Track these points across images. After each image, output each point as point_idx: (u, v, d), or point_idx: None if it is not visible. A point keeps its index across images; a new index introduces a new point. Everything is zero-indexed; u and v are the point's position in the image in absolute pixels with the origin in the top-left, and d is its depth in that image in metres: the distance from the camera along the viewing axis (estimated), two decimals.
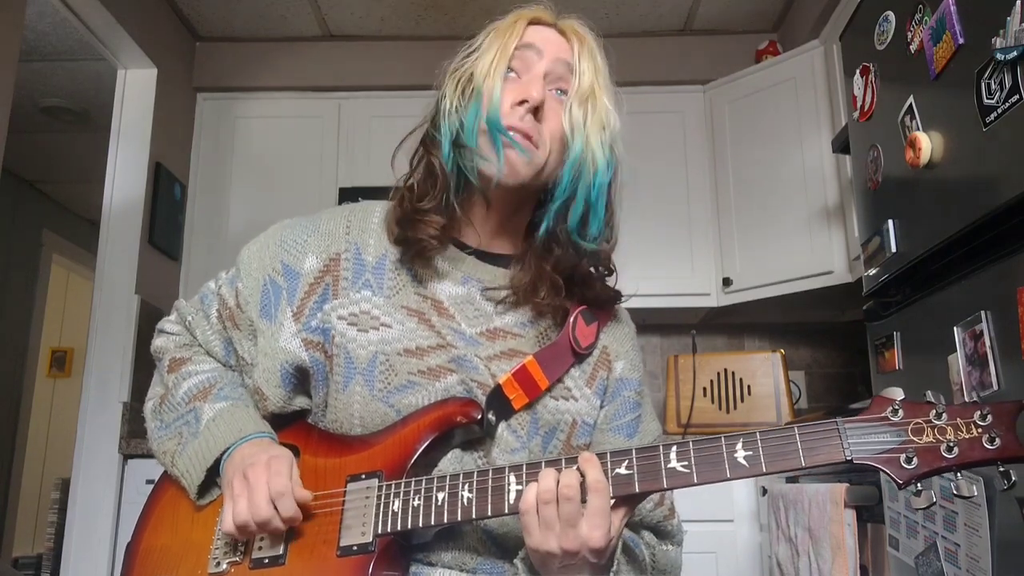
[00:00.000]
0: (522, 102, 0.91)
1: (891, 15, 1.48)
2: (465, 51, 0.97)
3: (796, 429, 0.76)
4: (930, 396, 0.75)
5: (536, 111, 0.92)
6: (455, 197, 0.94)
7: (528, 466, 0.82)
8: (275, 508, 0.85)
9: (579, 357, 0.99)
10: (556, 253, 0.95)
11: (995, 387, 1.14)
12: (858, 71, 1.63)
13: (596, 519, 0.77)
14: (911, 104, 1.39)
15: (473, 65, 0.94)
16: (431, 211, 0.93)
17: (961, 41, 1.22)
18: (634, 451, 0.80)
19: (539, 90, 0.92)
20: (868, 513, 1.65)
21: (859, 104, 1.63)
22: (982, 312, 1.17)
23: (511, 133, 0.90)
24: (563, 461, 0.81)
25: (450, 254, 0.97)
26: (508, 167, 0.91)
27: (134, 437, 2.51)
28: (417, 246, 0.94)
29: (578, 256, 0.96)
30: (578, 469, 0.78)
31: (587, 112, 0.93)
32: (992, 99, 1.13)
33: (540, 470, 0.81)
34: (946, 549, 1.26)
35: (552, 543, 0.77)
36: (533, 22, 0.97)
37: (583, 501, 0.77)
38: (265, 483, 0.85)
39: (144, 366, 2.62)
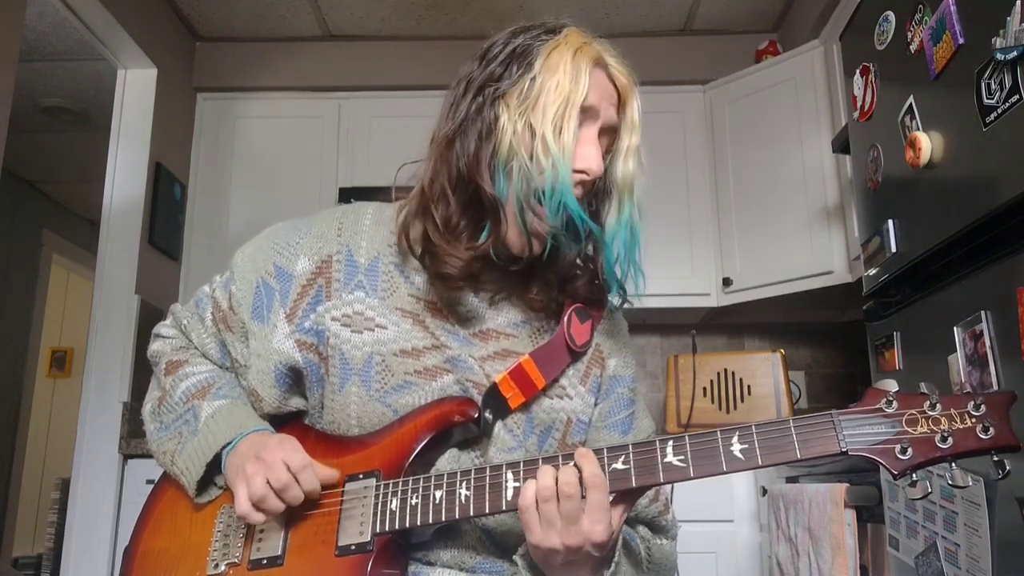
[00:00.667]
0: (582, 170, 0.89)
1: (891, 15, 1.48)
2: (513, 70, 0.90)
3: (791, 422, 0.76)
4: (924, 388, 0.75)
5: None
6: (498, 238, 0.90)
7: (525, 463, 0.83)
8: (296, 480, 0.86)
9: (575, 355, 0.99)
10: (555, 265, 0.96)
11: (995, 387, 1.14)
12: (858, 71, 1.63)
13: (597, 514, 0.77)
14: (911, 104, 1.39)
15: (532, 107, 0.88)
16: (467, 240, 0.90)
17: (961, 41, 1.22)
18: (631, 446, 0.80)
19: (599, 164, 0.90)
20: (868, 513, 1.65)
21: (859, 104, 1.63)
22: (982, 312, 1.17)
23: (585, 215, 0.89)
24: (560, 458, 0.81)
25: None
26: (539, 245, 0.90)
27: (134, 437, 2.51)
28: (450, 282, 0.92)
29: (582, 259, 0.98)
30: (575, 465, 0.79)
31: (631, 172, 0.93)
32: (992, 99, 1.13)
33: (537, 467, 0.81)
34: (946, 549, 1.26)
35: (554, 540, 0.78)
36: (594, 64, 0.92)
37: (583, 497, 0.77)
38: (281, 459, 0.86)
39: (144, 366, 2.60)
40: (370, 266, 0.97)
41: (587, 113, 0.90)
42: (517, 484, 0.81)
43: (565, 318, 0.97)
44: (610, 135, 0.94)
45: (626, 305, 1.03)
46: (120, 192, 2.71)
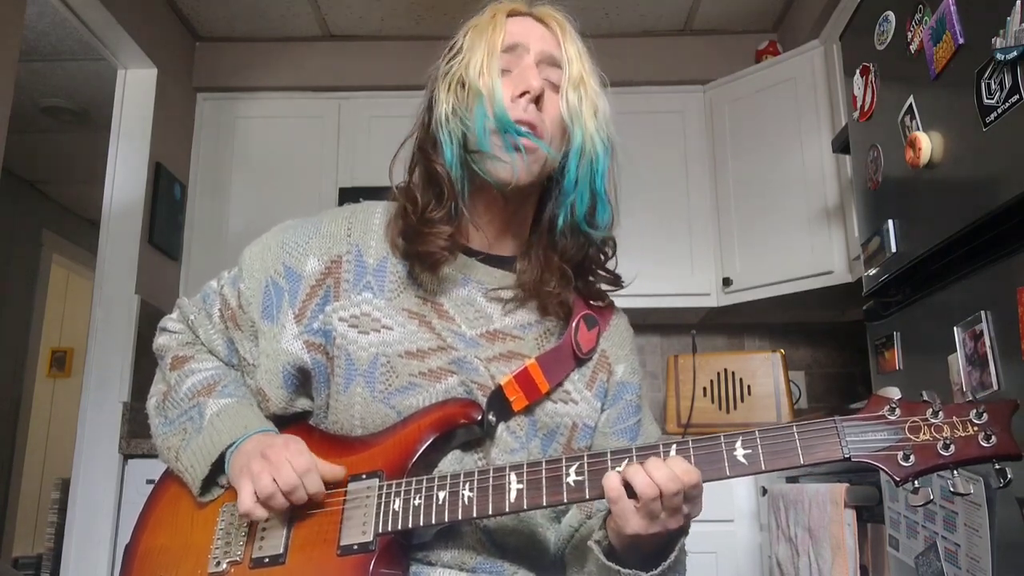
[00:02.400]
0: (523, 94, 0.91)
1: (891, 15, 1.48)
2: (447, 55, 0.97)
3: (795, 428, 0.77)
4: (926, 395, 0.76)
5: (537, 101, 0.92)
6: (463, 203, 0.93)
7: (529, 465, 0.83)
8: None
9: (579, 361, 0.99)
10: (562, 244, 0.97)
11: (995, 387, 1.14)
12: (858, 71, 1.63)
13: (696, 499, 0.80)
14: (911, 104, 1.39)
15: (462, 67, 0.93)
16: (439, 222, 0.92)
17: (961, 41, 1.22)
18: (634, 450, 0.80)
19: (537, 79, 0.92)
20: (868, 513, 1.65)
21: (859, 104, 1.63)
22: (982, 312, 1.17)
23: (521, 128, 0.90)
24: (634, 451, 0.81)
25: (458, 261, 0.97)
26: (522, 164, 0.90)
27: (134, 437, 2.51)
28: (429, 260, 0.93)
29: (588, 244, 0.98)
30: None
31: (581, 98, 0.94)
32: (992, 99, 1.13)
33: (541, 469, 0.81)
34: (946, 549, 1.26)
35: (657, 527, 0.79)
36: (511, 14, 0.97)
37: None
38: (287, 459, 0.86)
39: (144, 366, 2.62)
40: (378, 266, 0.97)
41: (515, 52, 0.94)
42: (520, 486, 0.81)
43: (573, 324, 0.97)
44: (558, 71, 0.95)
45: (616, 285, 1.03)
46: (120, 192, 2.71)
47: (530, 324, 0.98)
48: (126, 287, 2.63)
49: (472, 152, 0.92)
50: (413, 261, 0.95)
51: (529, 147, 0.91)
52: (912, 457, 0.73)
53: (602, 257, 1.02)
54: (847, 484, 1.66)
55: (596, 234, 0.97)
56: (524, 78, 0.92)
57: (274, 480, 0.85)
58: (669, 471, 0.76)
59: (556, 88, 0.94)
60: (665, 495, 0.76)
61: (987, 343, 1.16)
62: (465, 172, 0.93)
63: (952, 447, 0.72)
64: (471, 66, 0.92)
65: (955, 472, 0.74)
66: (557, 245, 0.97)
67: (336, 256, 0.97)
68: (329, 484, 0.89)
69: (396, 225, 0.96)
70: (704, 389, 2.64)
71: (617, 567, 0.84)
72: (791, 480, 2.01)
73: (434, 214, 0.92)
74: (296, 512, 0.89)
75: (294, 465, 0.86)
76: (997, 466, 0.72)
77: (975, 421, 0.73)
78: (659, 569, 0.83)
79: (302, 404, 1.00)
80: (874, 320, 1.60)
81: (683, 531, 0.85)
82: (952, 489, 0.74)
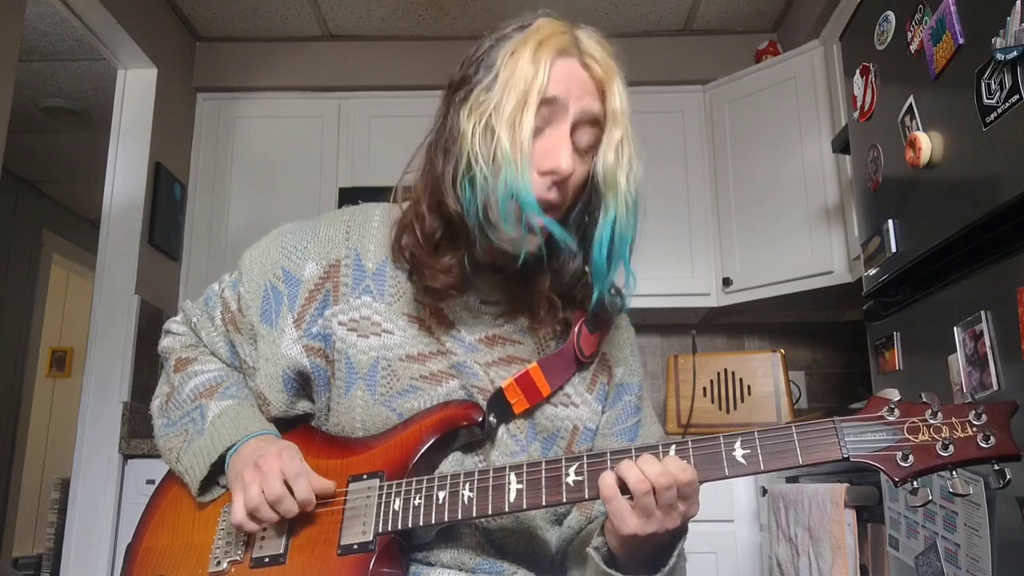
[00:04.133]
0: (550, 171, 0.85)
1: (891, 15, 1.48)
2: (481, 73, 0.87)
3: (794, 428, 0.77)
4: (925, 396, 0.76)
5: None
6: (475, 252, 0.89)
7: (528, 465, 0.83)
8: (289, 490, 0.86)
9: (581, 365, 0.99)
10: (559, 274, 0.93)
11: (995, 387, 1.14)
12: (858, 71, 1.63)
13: (693, 496, 0.79)
14: (911, 104, 1.39)
15: (494, 111, 0.84)
16: (453, 267, 0.89)
17: (961, 41, 1.22)
18: (633, 451, 0.80)
19: (568, 159, 0.85)
20: (868, 513, 1.65)
21: (859, 104, 1.63)
22: (982, 312, 1.17)
23: (541, 211, 0.84)
24: (632, 451, 0.80)
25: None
26: (532, 244, 0.86)
27: (134, 437, 2.51)
28: (437, 295, 0.91)
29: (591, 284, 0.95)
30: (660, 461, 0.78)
31: (619, 160, 0.88)
32: (992, 99, 1.13)
33: (541, 469, 0.81)
34: (946, 549, 1.27)
35: (654, 526, 0.78)
36: (558, 54, 0.86)
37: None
38: (278, 469, 0.86)
39: (144, 366, 2.62)
40: (377, 271, 0.96)
41: (553, 107, 0.85)
42: (520, 486, 0.81)
43: (575, 328, 0.97)
44: (594, 129, 0.88)
45: (618, 308, 1.01)
46: (120, 192, 2.71)
47: (528, 329, 0.98)
48: (126, 287, 2.63)
49: (487, 218, 0.86)
50: (421, 290, 0.93)
51: (544, 230, 0.85)
52: (911, 457, 0.73)
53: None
54: (847, 484, 1.66)
55: (616, 300, 0.97)
56: (554, 155, 0.84)
57: (262, 491, 0.85)
58: (661, 467, 0.77)
59: (587, 150, 0.88)
60: (658, 490, 0.76)
61: (987, 343, 1.16)
62: (481, 232, 0.88)
63: (951, 448, 0.73)
64: (503, 120, 0.83)
65: (954, 473, 0.74)
66: (548, 274, 0.93)
67: (335, 260, 0.97)
68: (319, 497, 0.89)
69: (404, 251, 0.92)
70: (704, 389, 2.64)
71: (617, 574, 0.84)
72: (791, 480, 2.01)
73: (446, 259, 0.89)
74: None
75: (285, 471, 0.86)
76: (996, 467, 0.72)
77: (974, 422, 0.73)
78: (658, 575, 0.83)
79: (303, 407, 1.00)
80: (874, 320, 1.60)
81: (680, 534, 0.84)
82: (951, 490, 0.74)
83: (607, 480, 0.78)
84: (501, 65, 0.86)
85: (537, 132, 0.85)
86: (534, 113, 0.83)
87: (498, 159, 0.83)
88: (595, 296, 0.91)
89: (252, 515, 0.86)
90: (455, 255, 0.89)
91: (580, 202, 0.91)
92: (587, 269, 0.94)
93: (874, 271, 1.56)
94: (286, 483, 0.86)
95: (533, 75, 0.83)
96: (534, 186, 0.84)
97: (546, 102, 0.84)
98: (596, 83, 0.88)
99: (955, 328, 1.25)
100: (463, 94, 0.88)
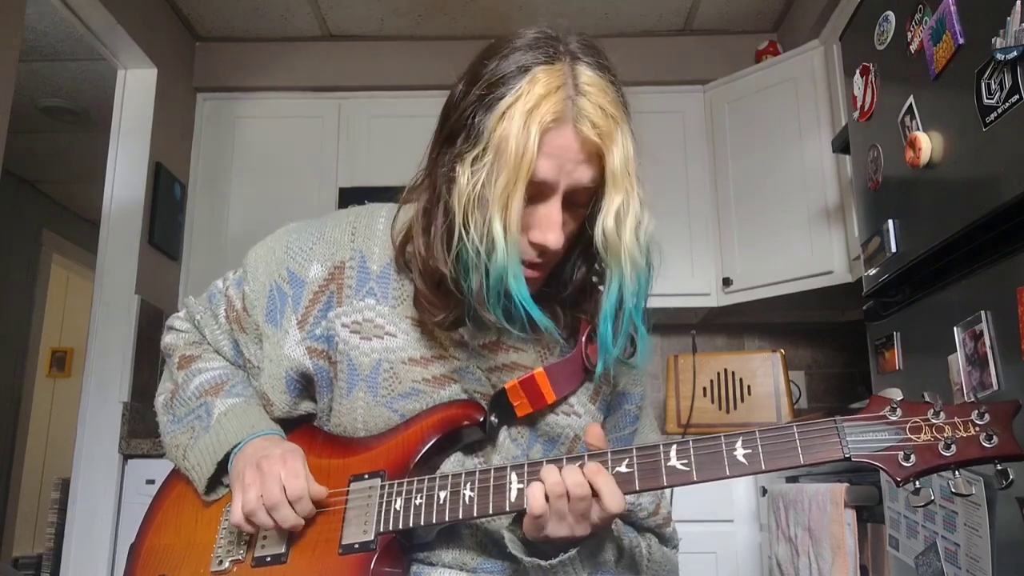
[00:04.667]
0: (539, 244, 0.85)
1: (891, 15, 1.48)
2: (470, 134, 0.84)
3: (795, 428, 0.77)
4: (927, 396, 0.76)
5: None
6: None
7: (529, 465, 0.83)
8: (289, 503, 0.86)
9: (589, 375, 0.98)
10: (565, 283, 0.94)
11: (995, 387, 1.14)
12: (858, 71, 1.63)
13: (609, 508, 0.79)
14: (911, 104, 1.39)
15: (484, 181, 0.81)
16: (452, 307, 0.88)
17: (961, 41, 1.22)
18: (634, 450, 0.80)
19: (557, 239, 0.84)
20: (868, 513, 1.65)
21: (859, 104, 1.63)
22: (982, 312, 1.17)
23: (524, 274, 0.83)
24: (564, 460, 0.81)
25: None
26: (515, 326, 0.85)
27: (134, 437, 2.51)
28: (438, 325, 0.91)
29: (594, 274, 0.96)
30: (588, 482, 0.78)
31: (619, 224, 0.84)
32: (992, 99, 1.13)
33: (541, 468, 0.81)
34: (946, 549, 1.27)
35: (564, 531, 0.79)
36: (553, 121, 0.81)
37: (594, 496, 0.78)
38: (279, 476, 0.86)
39: (144, 366, 2.62)
40: (382, 273, 0.96)
41: (542, 187, 0.83)
42: (521, 486, 0.81)
43: (583, 338, 0.96)
44: (590, 188, 0.85)
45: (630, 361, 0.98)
46: (120, 192, 2.71)
47: (532, 337, 0.97)
48: (126, 287, 2.63)
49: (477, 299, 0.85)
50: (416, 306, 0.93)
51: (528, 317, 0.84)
52: (913, 457, 0.73)
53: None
54: (847, 484, 1.66)
55: (634, 362, 0.96)
56: (543, 230, 0.84)
57: (260, 496, 0.85)
58: (582, 478, 0.78)
59: (584, 204, 0.87)
60: (572, 499, 0.78)
61: (987, 343, 1.16)
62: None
63: (953, 447, 0.72)
64: (494, 198, 0.80)
65: (956, 473, 0.74)
66: (556, 285, 0.95)
67: (340, 262, 0.97)
68: (313, 502, 0.89)
69: (406, 250, 0.93)
70: (704, 389, 2.64)
71: (519, 555, 0.84)
72: (791, 480, 2.01)
73: (444, 300, 0.88)
74: None
75: (287, 486, 0.86)
76: (999, 467, 0.72)
77: (977, 422, 0.73)
78: (558, 559, 0.82)
79: (306, 407, 1.00)
80: (874, 320, 1.60)
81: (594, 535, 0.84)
82: (953, 490, 0.74)
83: (535, 491, 0.79)
84: (492, 129, 0.82)
85: (529, 201, 0.83)
86: (523, 193, 0.81)
87: (487, 240, 0.81)
88: (599, 367, 0.90)
89: (248, 519, 0.86)
90: (453, 299, 0.88)
91: (575, 253, 0.92)
92: (594, 279, 0.95)
93: (874, 271, 1.56)
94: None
95: (523, 152, 0.79)
96: (522, 251, 0.84)
97: (534, 184, 0.82)
98: (594, 149, 0.84)
99: (955, 328, 1.25)
100: (455, 150, 0.85)
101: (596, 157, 0.84)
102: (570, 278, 0.94)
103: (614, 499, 0.78)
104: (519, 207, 0.81)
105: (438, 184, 0.87)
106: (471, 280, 0.84)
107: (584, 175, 0.84)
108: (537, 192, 0.83)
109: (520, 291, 0.82)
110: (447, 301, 0.89)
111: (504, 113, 0.81)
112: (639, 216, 0.86)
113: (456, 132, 0.86)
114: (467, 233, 0.82)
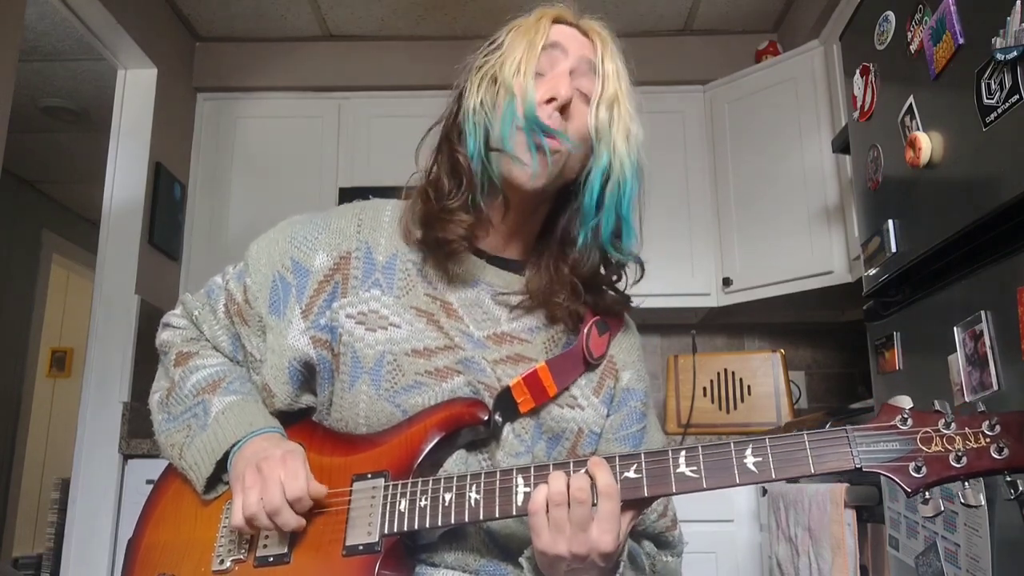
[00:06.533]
0: (550, 100, 0.90)
1: (891, 15, 1.48)
2: (487, 48, 0.96)
3: (806, 436, 0.76)
4: (938, 405, 0.75)
5: (563, 109, 0.91)
6: (480, 196, 0.92)
7: (536, 468, 0.82)
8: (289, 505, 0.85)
9: (589, 367, 0.98)
10: (574, 257, 0.96)
11: (995, 387, 1.14)
12: (858, 71, 1.63)
13: (607, 523, 0.77)
14: (911, 104, 1.39)
15: (498, 63, 0.92)
16: (459, 209, 0.92)
17: (961, 41, 1.22)
18: (643, 455, 0.79)
19: (567, 88, 0.91)
20: (868, 513, 1.65)
21: (859, 104, 1.63)
22: (982, 312, 1.17)
23: (548, 126, 0.89)
24: (571, 464, 0.80)
25: (464, 259, 0.96)
26: (542, 167, 0.90)
27: (134, 437, 2.51)
28: (447, 247, 0.93)
29: (605, 264, 0.98)
30: (587, 473, 0.78)
31: (612, 117, 0.92)
32: (992, 99, 1.13)
33: (548, 472, 0.80)
34: (946, 549, 1.27)
35: (561, 546, 0.77)
36: (557, 20, 0.96)
37: (594, 504, 0.77)
38: (279, 478, 0.85)
39: (144, 366, 2.62)
40: (387, 264, 0.96)
41: (553, 53, 0.93)
42: (527, 489, 0.81)
43: (585, 329, 0.97)
44: (594, 79, 0.94)
45: (624, 303, 1.02)
46: (120, 192, 2.71)
47: (538, 328, 0.98)
48: (126, 287, 2.63)
49: (493, 149, 0.91)
50: (427, 252, 0.95)
51: (553, 147, 0.90)
52: (924, 468, 0.72)
53: (615, 277, 1.01)
54: (847, 484, 1.66)
55: (622, 257, 0.97)
56: (554, 84, 0.91)
57: (260, 499, 0.85)
58: (586, 483, 0.77)
59: (587, 99, 0.93)
60: (572, 502, 0.76)
61: (987, 343, 1.16)
62: (484, 169, 0.92)
63: (964, 459, 0.72)
64: (507, 64, 0.91)
65: (966, 484, 0.73)
66: (568, 258, 0.96)
67: (345, 252, 0.97)
68: (312, 501, 0.89)
69: (414, 211, 0.96)
70: (704, 389, 2.64)
71: None
72: (791, 480, 2.01)
73: (454, 203, 0.92)
74: None
75: (286, 488, 0.85)
76: (1008, 478, 0.71)
77: (988, 432, 0.72)
78: None
79: (306, 400, 0.99)
80: (874, 320, 1.60)
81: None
82: (963, 501, 0.73)
83: (536, 496, 0.78)
84: (505, 34, 0.95)
85: (539, 76, 0.92)
86: (536, 56, 0.91)
87: (501, 94, 0.90)
88: (580, 237, 0.94)
89: (248, 522, 0.86)
90: (462, 197, 0.92)
91: (587, 167, 0.95)
92: (602, 271, 0.98)
93: (874, 271, 1.56)
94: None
95: (534, 32, 0.93)
96: (538, 111, 0.89)
97: (546, 48, 0.92)
98: (593, 46, 0.96)
99: (955, 328, 1.25)
100: (471, 69, 0.96)
101: (596, 57, 0.95)
102: (575, 243, 0.96)
103: (606, 477, 0.77)
104: (532, 64, 0.91)
105: (452, 117, 0.96)
106: (480, 138, 0.91)
107: (591, 54, 0.95)
108: (546, 65, 0.93)
109: (532, 115, 0.88)
110: (456, 203, 0.92)
111: (518, 24, 0.95)
112: (630, 123, 0.94)
113: (462, 83, 0.96)
114: (480, 107, 0.91)
